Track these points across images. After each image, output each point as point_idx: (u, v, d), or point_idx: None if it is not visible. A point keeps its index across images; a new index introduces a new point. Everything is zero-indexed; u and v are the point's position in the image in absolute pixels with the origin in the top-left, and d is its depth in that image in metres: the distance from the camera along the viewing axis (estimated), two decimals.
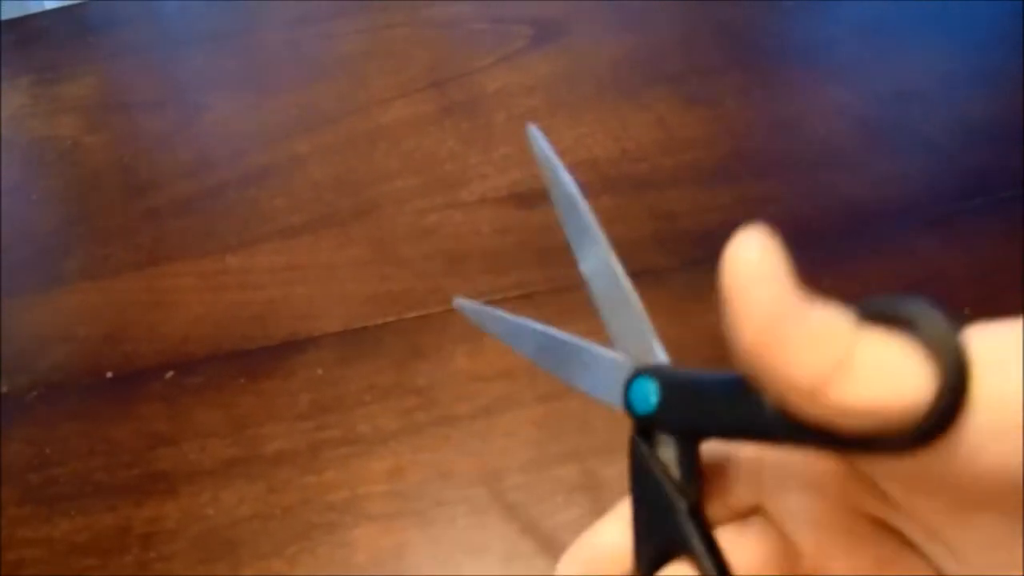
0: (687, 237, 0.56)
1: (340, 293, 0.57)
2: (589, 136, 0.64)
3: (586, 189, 0.60)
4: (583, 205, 0.34)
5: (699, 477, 0.28)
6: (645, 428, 0.29)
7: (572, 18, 0.76)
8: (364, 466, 0.47)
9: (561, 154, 0.62)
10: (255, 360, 0.54)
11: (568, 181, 0.34)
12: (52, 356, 0.57)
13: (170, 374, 0.54)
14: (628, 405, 0.28)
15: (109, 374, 0.55)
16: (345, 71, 0.76)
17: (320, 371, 0.52)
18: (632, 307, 0.31)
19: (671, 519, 0.27)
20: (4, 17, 0.93)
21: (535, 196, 0.60)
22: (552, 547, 0.43)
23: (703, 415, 0.26)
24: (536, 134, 0.35)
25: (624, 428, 0.46)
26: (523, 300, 0.54)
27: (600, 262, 0.33)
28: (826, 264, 0.53)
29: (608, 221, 0.57)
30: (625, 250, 0.55)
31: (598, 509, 0.43)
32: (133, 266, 0.62)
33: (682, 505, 0.27)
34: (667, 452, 0.28)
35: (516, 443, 0.47)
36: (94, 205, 0.68)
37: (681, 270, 0.54)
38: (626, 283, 0.32)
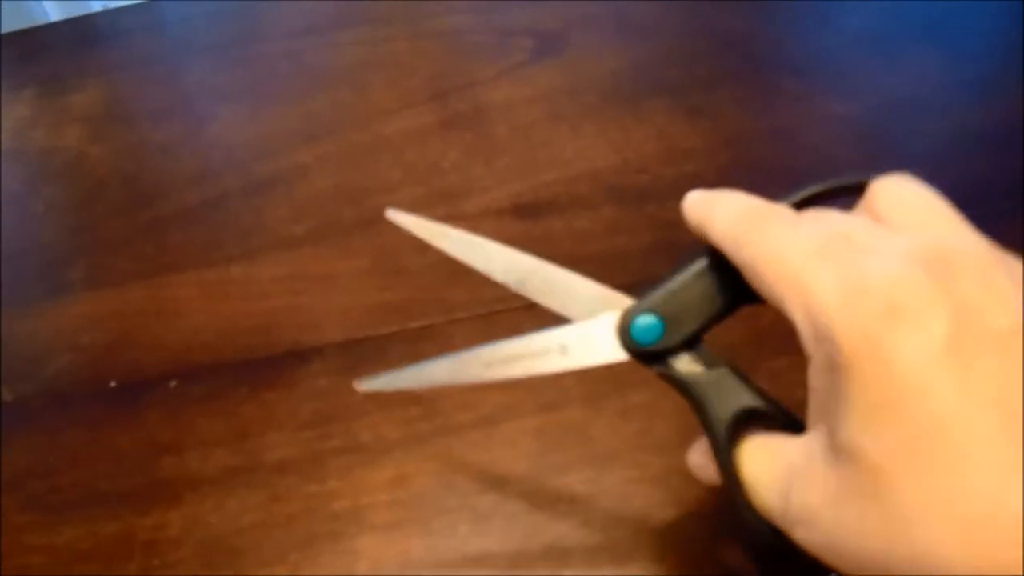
0: (686, 247, 0.56)
1: (342, 303, 0.57)
2: (590, 147, 0.64)
3: (588, 200, 0.60)
4: (466, 234, 0.38)
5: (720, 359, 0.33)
6: (650, 355, 0.33)
7: (573, 30, 0.76)
8: (366, 475, 0.47)
9: (563, 165, 0.63)
10: (258, 370, 0.54)
11: (442, 227, 0.38)
12: (56, 365, 0.57)
13: (173, 383, 0.54)
14: (635, 343, 0.33)
15: (112, 383, 0.55)
16: (347, 82, 0.76)
17: (323, 381, 0.53)
18: (564, 276, 0.37)
19: (729, 393, 0.32)
20: (8, 28, 0.93)
21: (535, 207, 0.60)
22: (554, 555, 0.43)
23: (699, 314, 0.33)
24: (395, 215, 0.39)
25: (624, 437, 0.47)
26: (527, 310, 0.54)
27: (508, 261, 0.38)
28: None
29: (610, 232, 0.58)
30: (627, 260, 0.56)
31: (599, 517, 0.44)
32: (137, 276, 0.62)
33: (731, 376, 0.32)
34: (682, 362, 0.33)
35: (517, 452, 0.47)
36: (98, 215, 0.68)
37: None
38: (541, 263, 0.37)
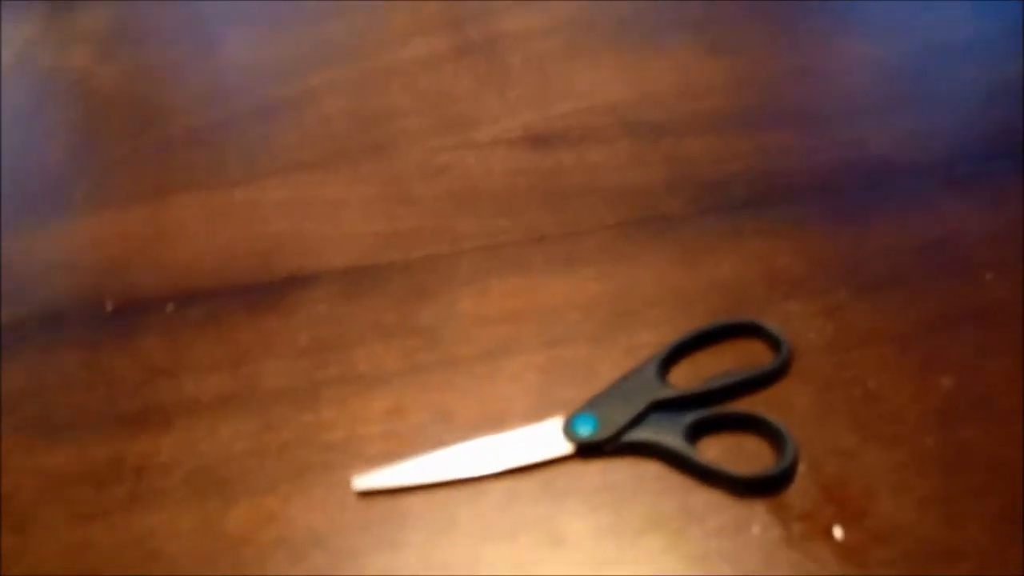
0: (702, 184, 0.55)
1: (347, 230, 0.56)
2: (607, 80, 0.63)
3: (602, 133, 0.59)
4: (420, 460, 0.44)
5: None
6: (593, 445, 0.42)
7: None
8: (363, 405, 0.46)
9: (578, 97, 0.61)
10: (257, 295, 0.53)
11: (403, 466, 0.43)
12: (54, 285, 0.56)
13: (171, 306, 0.53)
14: (577, 437, 0.42)
15: (109, 305, 0.54)
16: (362, 6, 0.74)
17: (323, 308, 0.51)
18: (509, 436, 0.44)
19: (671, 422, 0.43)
20: None
21: (548, 139, 0.59)
22: (552, 491, 0.42)
23: (624, 412, 0.43)
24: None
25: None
26: (533, 244, 0.53)
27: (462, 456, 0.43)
28: (844, 218, 0.51)
29: (623, 166, 0.56)
30: (638, 196, 0.54)
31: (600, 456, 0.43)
32: (139, 197, 0.61)
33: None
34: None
35: (519, 388, 0.46)
36: (103, 136, 0.67)
37: (693, 218, 0.52)
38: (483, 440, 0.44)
